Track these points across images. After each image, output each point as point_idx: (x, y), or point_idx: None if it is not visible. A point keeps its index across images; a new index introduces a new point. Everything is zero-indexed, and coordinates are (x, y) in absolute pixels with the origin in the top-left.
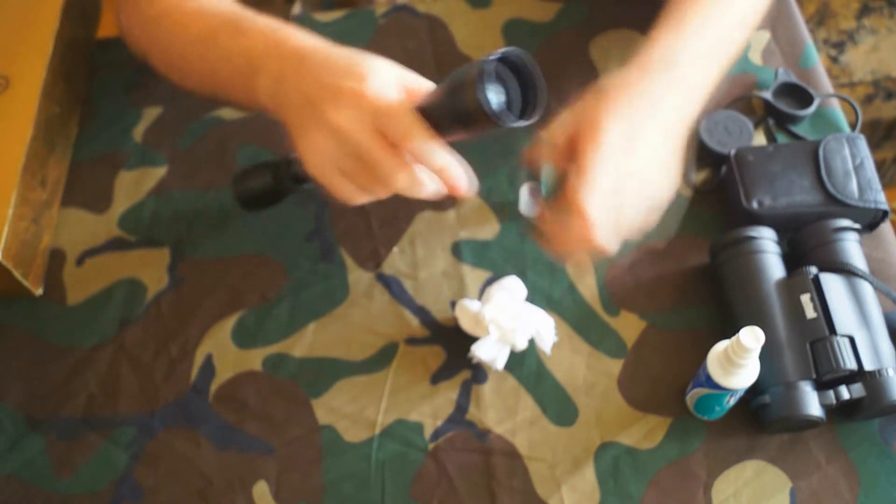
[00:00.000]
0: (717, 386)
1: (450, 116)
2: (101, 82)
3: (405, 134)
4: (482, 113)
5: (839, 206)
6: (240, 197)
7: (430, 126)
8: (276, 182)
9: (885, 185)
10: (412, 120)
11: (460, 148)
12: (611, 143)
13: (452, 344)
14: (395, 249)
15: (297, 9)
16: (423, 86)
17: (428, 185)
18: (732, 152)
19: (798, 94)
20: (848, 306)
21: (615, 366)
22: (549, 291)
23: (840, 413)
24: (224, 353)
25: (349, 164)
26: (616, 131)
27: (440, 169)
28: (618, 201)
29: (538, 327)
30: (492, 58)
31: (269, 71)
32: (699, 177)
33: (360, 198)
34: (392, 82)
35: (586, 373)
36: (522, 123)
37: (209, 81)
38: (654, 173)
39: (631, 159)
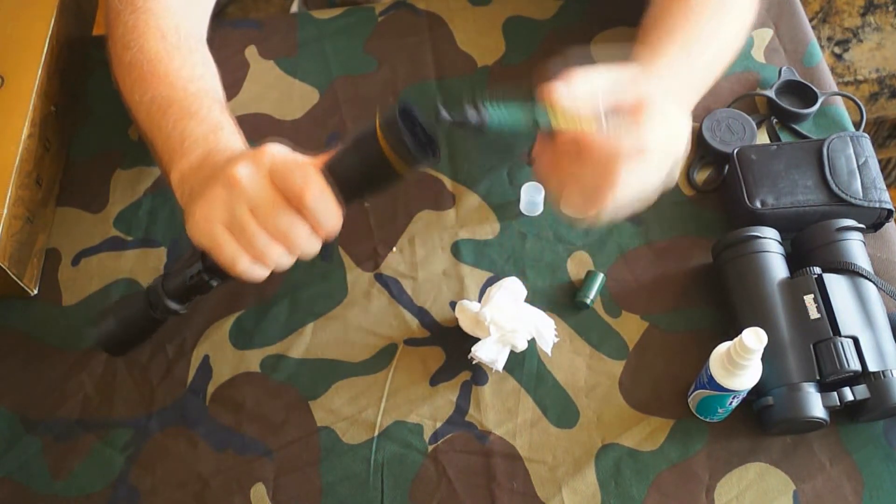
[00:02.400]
0: (719, 387)
1: (356, 168)
2: (97, 80)
3: (303, 182)
4: (402, 151)
5: (843, 205)
6: (109, 337)
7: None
8: (153, 307)
9: (890, 185)
10: (311, 170)
11: (462, 147)
12: (659, 113)
13: (452, 345)
14: (395, 249)
15: (295, 6)
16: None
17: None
18: (735, 151)
19: (802, 93)
20: (852, 307)
21: (616, 367)
22: (549, 292)
23: (844, 415)
24: (221, 353)
25: (238, 217)
26: (660, 105)
27: (329, 222)
28: (645, 165)
29: (539, 328)
30: (396, 107)
31: (192, 160)
32: (701, 176)
33: (241, 262)
34: (292, 152)
35: (587, 374)
36: (428, 164)
37: (147, 136)
38: (675, 146)
39: (665, 131)
